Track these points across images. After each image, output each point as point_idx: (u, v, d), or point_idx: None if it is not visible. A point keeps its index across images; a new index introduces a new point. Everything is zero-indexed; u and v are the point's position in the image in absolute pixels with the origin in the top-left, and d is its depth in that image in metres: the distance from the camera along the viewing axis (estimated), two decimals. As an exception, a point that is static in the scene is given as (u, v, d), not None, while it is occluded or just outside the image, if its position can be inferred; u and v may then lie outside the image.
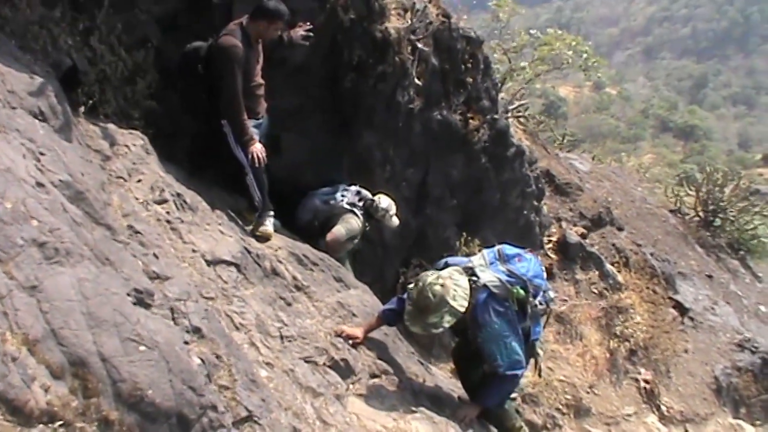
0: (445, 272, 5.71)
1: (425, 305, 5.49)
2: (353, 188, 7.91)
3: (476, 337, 5.67)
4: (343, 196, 7.79)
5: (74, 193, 3.65)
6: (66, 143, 4.26)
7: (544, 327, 6.48)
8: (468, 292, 5.58)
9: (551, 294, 6.24)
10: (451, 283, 5.55)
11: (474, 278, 5.70)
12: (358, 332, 5.86)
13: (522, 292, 5.71)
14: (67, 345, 2.72)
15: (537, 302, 5.93)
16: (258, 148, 6.39)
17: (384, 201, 7.87)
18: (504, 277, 5.70)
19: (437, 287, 5.48)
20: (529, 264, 5.93)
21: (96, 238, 3.49)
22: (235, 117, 6.32)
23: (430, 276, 5.65)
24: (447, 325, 5.51)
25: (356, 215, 7.75)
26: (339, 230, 7.53)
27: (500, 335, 5.56)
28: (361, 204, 7.82)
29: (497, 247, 6.08)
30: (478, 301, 5.59)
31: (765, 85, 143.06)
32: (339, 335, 5.67)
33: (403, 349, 6.55)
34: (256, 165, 6.42)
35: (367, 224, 7.85)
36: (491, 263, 5.89)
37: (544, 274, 6.12)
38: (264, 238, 6.45)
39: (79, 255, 3.14)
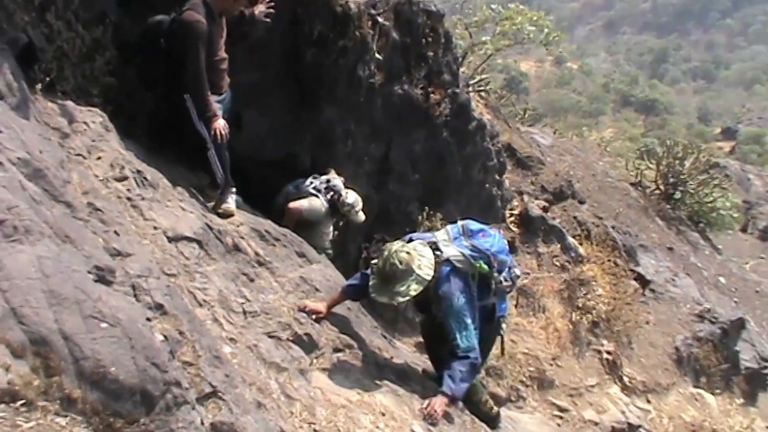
0: (410, 244, 5.75)
1: (391, 273, 5.54)
2: (324, 177, 7.91)
3: (439, 310, 5.73)
4: (311, 182, 7.83)
5: (33, 171, 3.61)
6: (24, 121, 4.20)
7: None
8: (433, 262, 5.63)
9: (517, 271, 6.29)
10: (416, 253, 5.60)
11: (438, 252, 5.73)
12: (321, 307, 5.85)
13: (485, 266, 5.76)
14: (28, 323, 2.70)
15: (502, 278, 5.97)
16: (221, 125, 6.34)
17: (351, 197, 7.87)
18: (468, 252, 5.73)
19: (403, 254, 5.53)
20: (493, 239, 5.97)
21: (56, 215, 3.46)
22: (199, 93, 6.25)
23: (396, 245, 5.70)
24: (413, 293, 5.54)
25: (319, 199, 7.79)
26: (301, 203, 7.60)
27: (460, 312, 5.58)
28: (327, 193, 7.84)
29: (461, 222, 6.10)
30: (441, 274, 5.64)
31: (724, 59, 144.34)
32: (302, 310, 5.67)
33: (366, 324, 6.57)
34: (219, 141, 6.37)
35: (334, 218, 7.89)
36: (455, 238, 5.92)
37: (508, 250, 6.17)
38: (226, 215, 6.41)
39: (39, 233, 3.11)
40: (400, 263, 5.50)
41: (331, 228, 7.99)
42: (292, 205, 7.50)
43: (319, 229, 7.84)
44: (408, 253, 5.57)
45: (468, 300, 5.63)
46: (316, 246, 7.47)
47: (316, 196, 7.78)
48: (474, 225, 6.07)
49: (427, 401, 5.52)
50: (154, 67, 6.53)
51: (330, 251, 7.96)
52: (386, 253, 5.64)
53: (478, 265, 5.71)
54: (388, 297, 5.63)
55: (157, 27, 6.40)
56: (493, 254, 5.85)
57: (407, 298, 5.61)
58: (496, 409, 6.81)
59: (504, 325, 6.25)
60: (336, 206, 7.83)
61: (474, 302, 5.70)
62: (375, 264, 5.76)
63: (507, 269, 6.05)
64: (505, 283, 6.04)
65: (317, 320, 5.70)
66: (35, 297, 2.79)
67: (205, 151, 6.48)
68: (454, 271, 5.65)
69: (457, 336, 5.56)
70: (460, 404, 6.14)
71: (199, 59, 6.18)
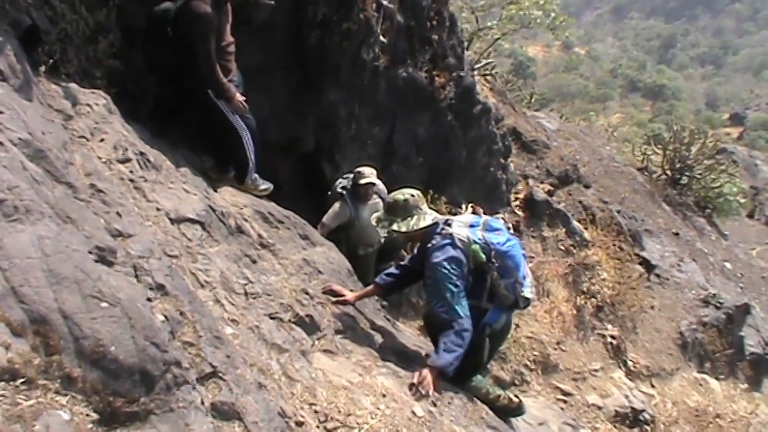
0: (425, 206, 6.02)
1: (393, 204, 5.90)
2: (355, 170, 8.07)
3: (426, 278, 5.77)
4: (339, 182, 8.02)
5: (34, 152, 3.61)
6: (26, 102, 4.20)
7: (509, 333, 6.52)
8: (418, 227, 5.84)
9: (527, 293, 6.04)
10: (417, 211, 5.89)
11: (446, 227, 5.81)
12: (349, 295, 6.06)
13: (482, 255, 5.74)
14: (28, 302, 2.71)
15: (503, 284, 5.89)
16: (240, 98, 6.48)
17: (366, 170, 7.96)
18: (474, 238, 5.74)
19: (401, 197, 5.88)
20: (504, 239, 5.90)
21: (57, 196, 3.46)
22: (214, 81, 6.33)
23: (408, 191, 6.00)
24: (395, 228, 5.89)
25: (344, 200, 8.03)
26: (322, 221, 7.88)
27: (447, 280, 5.57)
28: (349, 183, 7.97)
29: (485, 217, 6.12)
30: (438, 243, 5.71)
31: (733, 45, 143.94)
32: (326, 291, 5.93)
33: (369, 306, 6.58)
34: (241, 110, 6.53)
35: (365, 204, 8.06)
36: (471, 226, 5.92)
37: (524, 266, 6.04)
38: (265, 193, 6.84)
39: (39, 213, 3.11)
40: (395, 201, 5.89)
41: (369, 214, 7.99)
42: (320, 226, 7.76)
43: (357, 225, 7.99)
44: (406, 200, 5.87)
45: (459, 273, 5.61)
46: (367, 242, 7.70)
47: (341, 196, 8.03)
48: (495, 223, 6.06)
49: (416, 374, 5.52)
50: (161, 54, 6.54)
51: (380, 240, 8.15)
52: (400, 190, 5.97)
53: (474, 248, 5.72)
54: (374, 218, 6.04)
55: (164, 15, 6.38)
56: (497, 251, 5.79)
57: (386, 229, 5.91)
58: (515, 399, 6.76)
59: (487, 334, 6.03)
60: (359, 188, 7.91)
61: (463, 281, 5.67)
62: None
63: (513, 282, 5.91)
64: (505, 292, 5.93)
65: (323, 303, 5.76)
66: (35, 276, 2.80)
67: (237, 142, 6.65)
68: (452, 245, 5.67)
69: (441, 301, 5.60)
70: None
71: (210, 51, 6.23)
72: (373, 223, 6.02)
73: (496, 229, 5.97)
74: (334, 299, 5.95)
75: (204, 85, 6.40)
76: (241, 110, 6.55)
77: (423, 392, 5.35)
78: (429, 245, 5.77)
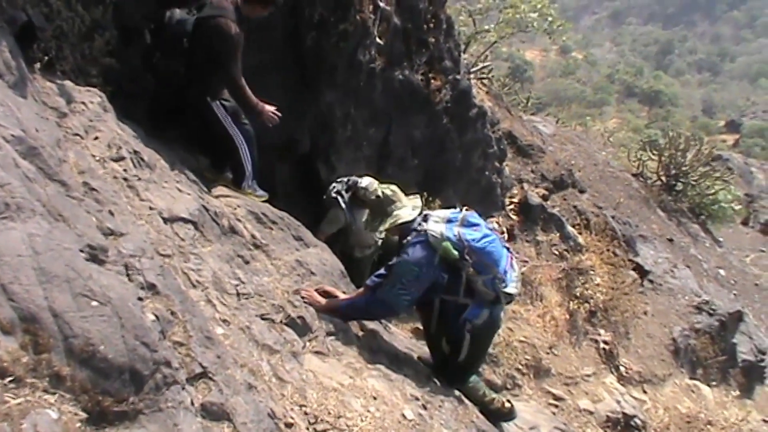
0: (402, 199, 6.13)
1: (371, 203, 6.13)
2: (352, 178, 8.12)
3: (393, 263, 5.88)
4: (333, 186, 8.12)
5: (27, 149, 3.60)
6: (21, 99, 4.18)
7: (497, 329, 6.51)
8: (405, 220, 5.94)
9: (510, 288, 6.02)
10: (392, 208, 6.01)
11: (423, 223, 5.88)
12: (341, 297, 6.07)
13: (453, 251, 5.71)
14: (18, 300, 2.70)
15: (480, 280, 5.87)
16: (270, 109, 6.60)
17: (365, 181, 8.02)
18: (447, 234, 5.75)
19: (388, 191, 5.99)
20: (479, 236, 5.86)
21: (49, 194, 3.45)
22: (243, 98, 6.49)
23: (384, 187, 6.15)
24: (383, 227, 6.03)
25: (339, 205, 8.15)
26: (322, 224, 8.08)
27: (403, 277, 5.69)
28: (348, 190, 8.03)
29: (464, 212, 6.09)
30: (412, 240, 5.79)
31: (730, 52, 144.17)
32: (318, 292, 5.93)
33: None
34: (274, 120, 6.66)
35: (364, 209, 8.04)
36: (449, 221, 5.92)
37: (505, 262, 6.01)
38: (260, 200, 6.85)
39: (31, 210, 3.10)
40: (383, 196, 5.98)
41: (366, 218, 8.03)
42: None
43: (354, 229, 8.08)
44: (378, 198, 6.02)
45: (417, 275, 5.68)
46: (364, 245, 7.79)
47: (336, 201, 8.15)
48: (474, 218, 6.04)
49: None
50: (173, 64, 6.63)
51: (376, 242, 8.20)
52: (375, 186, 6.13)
53: (445, 245, 5.71)
54: (371, 229, 6.18)
55: (179, 27, 6.49)
56: (471, 247, 5.75)
57: (379, 229, 6.10)
58: (508, 404, 6.79)
59: (468, 329, 6.00)
60: (357, 194, 7.97)
61: (426, 282, 5.76)
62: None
63: (492, 278, 5.88)
64: (483, 288, 5.91)
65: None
66: (25, 274, 2.79)
67: (233, 150, 6.74)
68: (423, 244, 5.71)
69: (385, 285, 5.77)
70: (457, 393, 6.18)
71: (238, 71, 6.39)
72: (373, 232, 6.07)
73: (474, 225, 5.95)
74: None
75: (234, 100, 6.61)
76: (274, 121, 6.66)
77: (303, 297, 5.67)
78: (405, 241, 5.86)
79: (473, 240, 5.77)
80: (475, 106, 10.76)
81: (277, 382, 4.43)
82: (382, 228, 5.97)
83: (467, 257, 5.75)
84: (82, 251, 3.27)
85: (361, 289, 6.30)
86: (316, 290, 5.89)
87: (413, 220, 5.94)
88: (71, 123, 4.88)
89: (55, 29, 5.45)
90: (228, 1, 6.44)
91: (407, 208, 6.05)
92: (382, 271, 6.37)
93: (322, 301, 5.76)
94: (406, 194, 6.25)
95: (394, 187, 6.09)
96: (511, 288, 5.99)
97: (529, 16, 16.81)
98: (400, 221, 5.95)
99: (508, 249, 6.15)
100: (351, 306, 5.91)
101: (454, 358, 6.15)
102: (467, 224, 5.91)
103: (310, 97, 7.95)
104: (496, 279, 5.86)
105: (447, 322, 6.04)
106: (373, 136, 8.91)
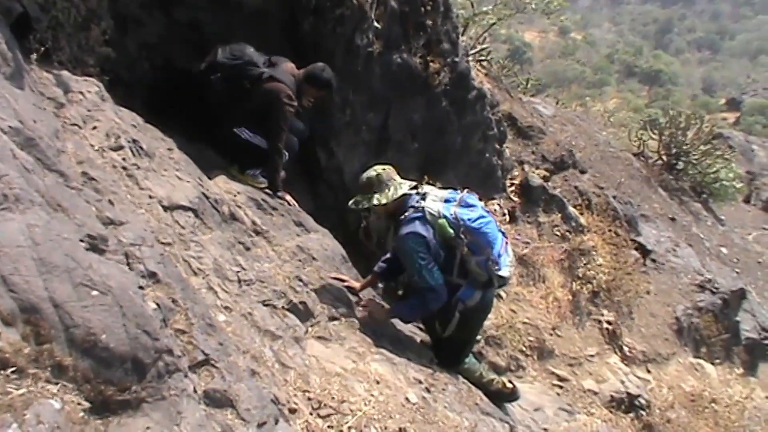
0: (398, 179, 6.19)
1: (361, 183, 6.13)
2: None
3: (397, 249, 6.06)
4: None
5: (25, 140, 3.60)
6: (18, 91, 4.17)
7: (488, 312, 6.57)
8: (396, 195, 6.00)
9: (503, 271, 6.11)
10: (392, 182, 6.06)
11: (420, 201, 5.96)
12: (356, 284, 6.36)
13: (449, 229, 5.81)
14: (18, 291, 2.70)
15: (474, 261, 5.96)
16: (288, 198, 6.97)
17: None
18: (444, 213, 5.81)
19: (373, 173, 6.06)
20: (475, 216, 5.96)
21: (48, 184, 3.45)
22: (273, 169, 6.87)
23: (379, 166, 6.19)
24: (362, 207, 6.15)
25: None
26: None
27: (412, 252, 5.74)
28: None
29: (462, 193, 6.12)
30: (409, 216, 5.87)
31: (729, 29, 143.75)
32: (336, 278, 6.21)
33: (364, 292, 6.60)
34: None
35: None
36: (446, 201, 5.97)
37: (500, 245, 6.09)
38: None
39: (30, 201, 3.10)
40: (367, 179, 6.07)
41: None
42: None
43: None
44: (378, 175, 6.04)
45: (425, 245, 5.75)
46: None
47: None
48: (471, 199, 6.09)
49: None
50: (225, 92, 6.80)
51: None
52: (369, 168, 6.17)
53: (441, 222, 5.79)
54: (351, 202, 6.22)
55: (249, 69, 6.72)
56: (467, 226, 5.86)
57: (356, 206, 6.16)
58: (509, 385, 6.83)
59: (460, 309, 6.11)
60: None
61: (431, 251, 5.81)
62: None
63: (485, 259, 5.97)
64: (477, 269, 6.00)
65: (316, 289, 5.83)
66: (25, 265, 2.79)
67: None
68: (421, 219, 5.81)
69: (416, 272, 5.76)
70: (460, 378, 6.21)
71: (282, 140, 6.74)
72: (351, 205, 6.09)
73: (471, 206, 6.03)
74: (344, 284, 6.21)
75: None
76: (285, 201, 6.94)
77: (360, 313, 5.91)
78: (402, 217, 5.90)
79: (469, 219, 5.86)
80: (474, 89, 10.72)
81: (280, 367, 4.44)
82: (384, 200, 5.97)
83: (462, 236, 5.83)
84: (81, 241, 3.27)
85: (371, 277, 6.43)
86: (332, 278, 6.13)
87: (410, 196, 5.98)
88: (69, 113, 4.88)
89: (51, 19, 5.43)
90: (292, 74, 6.85)
91: (406, 183, 6.15)
92: (388, 255, 6.43)
93: (374, 308, 6.05)
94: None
95: (387, 173, 6.14)
96: (505, 271, 6.05)
97: (528, -3, 16.79)
98: (403, 192, 6.03)
99: (503, 233, 6.18)
100: (409, 306, 6.11)
101: (445, 337, 6.21)
102: (464, 205, 5.98)
103: (308, 83, 7.92)
104: (489, 260, 5.94)
105: None
106: (372, 121, 8.89)
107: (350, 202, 6.15)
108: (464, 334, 6.31)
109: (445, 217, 5.80)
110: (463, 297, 6.04)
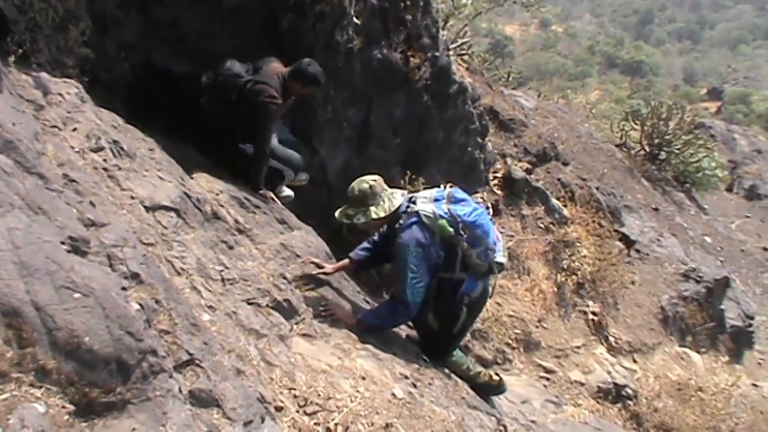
0: (387, 186, 6.10)
1: (352, 197, 5.97)
2: None
3: (392, 255, 5.93)
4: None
5: (4, 143, 3.58)
6: (-5, 94, 4.17)
7: (490, 295, 6.53)
8: (394, 208, 5.91)
9: (500, 258, 6.18)
10: (385, 193, 5.98)
11: (411, 204, 5.91)
12: (328, 267, 6.25)
13: (449, 228, 5.79)
14: (-1, 295, 2.70)
15: (474, 253, 5.98)
16: (270, 195, 7.02)
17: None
18: (440, 213, 5.79)
19: (365, 185, 5.92)
20: (470, 210, 5.96)
21: (28, 187, 3.43)
22: (257, 169, 6.92)
23: (369, 176, 6.05)
24: (357, 222, 5.98)
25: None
26: None
27: (407, 263, 5.70)
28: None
29: (448, 189, 6.12)
30: (405, 222, 5.81)
31: (709, 19, 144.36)
32: (311, 262, 6.16)
33: (348, 289, 6.61)
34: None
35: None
36: (436, 200, 5.96)
37: (494, 233, 6.15)
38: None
39: (9, 204, 3.09)
40: (359, 192, 5.93)
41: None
42: None
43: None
44: (371, 186, 5.93)
45: (422, 256, 5.72)
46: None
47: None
48: (459, 194, 6.09)
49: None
50: (217, 110, 6.97)
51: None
52: (359, 179, 6.03)
53: (441, 223, 5.76)
54: (340, 214, 6.06)
55: (233, 81, 6.80)
56: (465, 222, 5.86)
57: (349, 220, 6.03)
58: (496, 377, 6.84)
59: (465, 304, 6.14)
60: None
61: (431, 261, 5.79)
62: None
63: (484, 250, 6.01)
64: (477, 261, 6.02)
65: (304, 282, 5.91)
66: (6, 269, 2.78)
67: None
68: (419, 224, 5.76)
69: (404, 285, 5.72)
70: (446, 371, 6.22)
71: (268, 141, 6.87)
72: (343, 219, 6.04)
73: (461, 200, 6.03)
74: (315, 271, 6.11)
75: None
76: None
77: (324, 312, 5.74)
78: (397, 225, 5.85)
79: (465, 215, 5.87)
80: (455, 83, 10.73)
81: (266, 366, 4.44)
82: (382, 213, 5.89)
83: (462, 232, 5.83)
84: (63, 243, 3.25)
85: (345, 261, 6.38)
86: (304, 262, 6.11)
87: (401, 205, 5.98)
88: (49, 115, 4.85)
89: (28, 21, 5.39)
90: (277, 74, 6.87)
91: (397, 192, 6.12)
92: (365, 244, 6.42)
93: (346, 316, 5.88)
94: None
95: (377, 183, 6.06)
96: (500, 257, 6.10)
97: (505, -11, 16.81)
98: (399, 202, 5.99)
99: (492, 220, 6.23)
100: (375, 315, 6.03)
101: (446, 332, 6.21)
102: (455, 200, 5.97)
103: (288, 81, 7.91)
104: (488, 250, 5.99)
105: (443, 299, 6.08)
106: (353, 117, 8.88)
107: (341, 216, 6.06)
108: (467, 324, 6.38)
109: (441, 216, 5.78)
110: (467, 290, 6.07)
